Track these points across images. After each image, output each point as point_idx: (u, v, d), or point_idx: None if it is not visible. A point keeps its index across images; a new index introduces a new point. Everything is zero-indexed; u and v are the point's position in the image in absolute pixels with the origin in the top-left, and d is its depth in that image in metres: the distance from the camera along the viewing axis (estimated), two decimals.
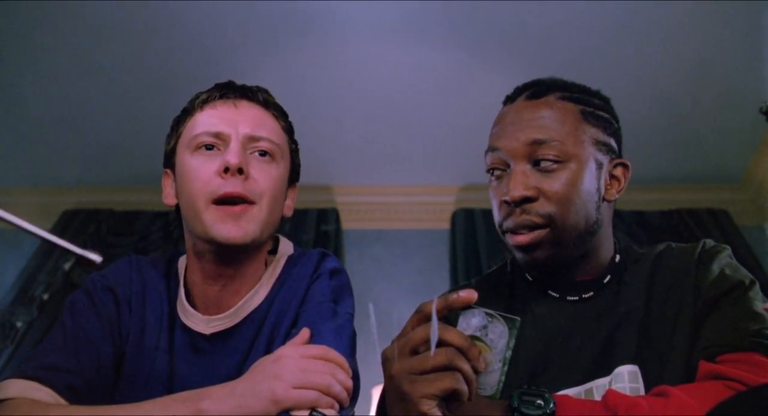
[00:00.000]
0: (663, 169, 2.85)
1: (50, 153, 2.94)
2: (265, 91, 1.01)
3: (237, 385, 0.76)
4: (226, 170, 0.89)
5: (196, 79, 2.66)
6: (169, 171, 1.00)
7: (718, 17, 2.39)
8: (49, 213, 3.00)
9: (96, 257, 0.95)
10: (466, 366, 0.62)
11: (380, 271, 2.88)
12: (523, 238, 0.88)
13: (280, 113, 1.01)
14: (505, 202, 0.89)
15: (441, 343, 0.62)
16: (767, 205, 2.98)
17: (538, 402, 0.73)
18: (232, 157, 0.89)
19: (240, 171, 0.89)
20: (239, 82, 1.02)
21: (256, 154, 0.94)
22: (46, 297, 2.71)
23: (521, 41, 2.49)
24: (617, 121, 0.97)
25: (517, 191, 0.87)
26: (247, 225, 0.90)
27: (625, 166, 0.96)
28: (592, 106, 0.94)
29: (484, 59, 2.57)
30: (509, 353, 0.59)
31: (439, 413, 0.63)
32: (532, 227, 0.88)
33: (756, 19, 2.40)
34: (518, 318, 0.56)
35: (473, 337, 0.62)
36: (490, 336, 0.60)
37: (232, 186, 0.89)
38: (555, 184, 0.88)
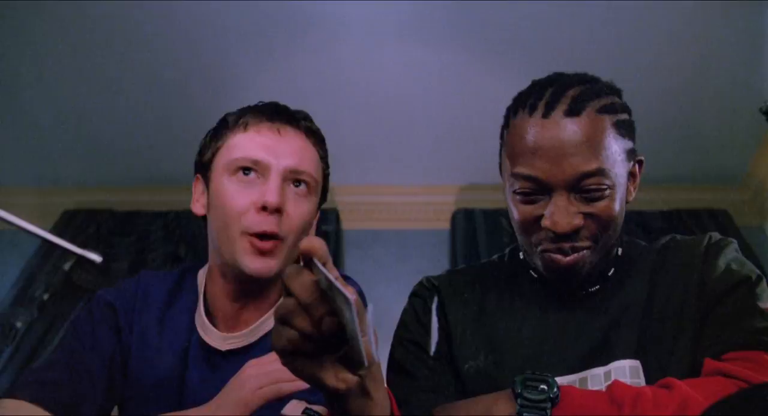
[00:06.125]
0: (663, 169, 2.84)
1: (50, 153, 2.94)
2: (309, 118, 1.01)
3: (212, 402, 0.82)
4: (264, 208, 0.89)
5: (195, 80, 2.69)
6: (200, 178, 1.00)
7: (718, 17, 2.39)
8: (49, 213, 2.99)
9: (96, 257, 0.96)
10: (303, 324, 0.52)
11: (380, 271, 2.88)
12: (567, 260, 0.84)
13: (318, 140, 1.01)
14: (547, 229, 0.84)
15: (288, 292, 0.53)
16: (767, 204, 2.98)
17: (542, 386, 0.73)
18: (271, 196, 0.89)
19: (277, 210, 0.90)
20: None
21: (293, 186, 0.94)
22: (46, 297, 2.71)
23: (521, 41, 2.49)
24: (631, 113, 0.92)
25: (566, 223, 0.82)
26: (273, 262, 0.91)
27: (640, 162, 0.93)
28: (618, 110, 0.88)
29: (484, 59, 2.57)
30: (357, 326, 0.49)
31: (307, 370, 0.55)
32: (576, 249, 0.84)
33: (756, 19, 2.40)
34: (351, 299, 0.48)
35: (326, 293, 0.52)
36: (338, 302, 0.50)
37: (267, 224, 0.90)
38: (599, 206, 0.83)
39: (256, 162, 0.93)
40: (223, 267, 0.95)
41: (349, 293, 0.48)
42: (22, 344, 2.59)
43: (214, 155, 0.97)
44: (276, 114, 0.97)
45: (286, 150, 0.94)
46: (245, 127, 0.95)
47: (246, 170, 0.92)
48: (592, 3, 2.34)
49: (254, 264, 0.90)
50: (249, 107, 1.00)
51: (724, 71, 2.58)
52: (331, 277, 0.49)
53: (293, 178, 0.94)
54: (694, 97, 2.65)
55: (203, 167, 0.99)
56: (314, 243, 0.53)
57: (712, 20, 2.40)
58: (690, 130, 2.77)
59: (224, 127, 0.98)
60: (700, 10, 2.36)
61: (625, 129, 0.88)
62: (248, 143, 0.94)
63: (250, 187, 0.92)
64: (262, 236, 0.90)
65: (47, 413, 0.85)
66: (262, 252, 0.90)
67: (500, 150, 0.94)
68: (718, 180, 3.03)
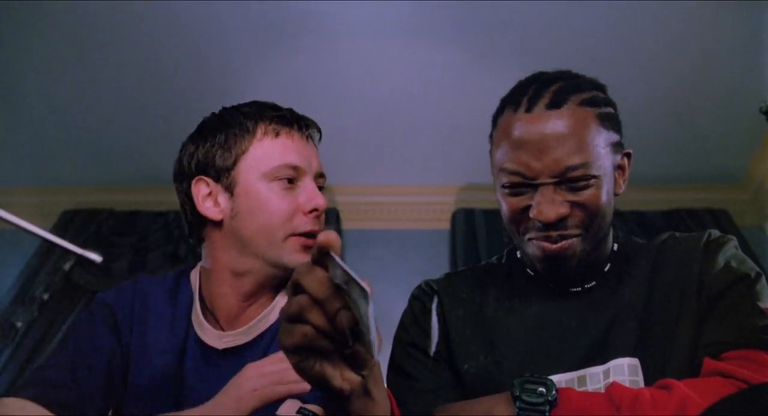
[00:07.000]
0: (663, 169, 2.85)
1: (50, 153, 2.94)
2: (317, 125, 1.08)
3: (209, 402, 0.85)
4: (313, 210, 0.98)
5: (196, 80, 2.68)
6: (210, 181, 0.99)
7: (718, 17, 2.39)
8: (49, 213, 2.99)
9: (96, 257, 0.96)
10: (318, 320, 0.52)
11: (380, 271, 2.88)
12: (554, 247, 0.85)
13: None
14: (535, 219, 0.85)
15: (298, 289, 0.53)
16: (767, 204, 2.98)
17: (540, 389, 0.73)
18: (320, 200, 0.99)
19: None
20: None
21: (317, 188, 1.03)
22: (46, 297, 2.71)
23: (522, 42, 2.49)
24: (616, 108, 0.93)
25: (552, 214, 0.83)
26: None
27: (628, 155, 0.93)
28: (602, 103, 0.89)
29: (484, 59, 2.57)
30: (371, 321, 0.49)
31: (317, 369, 0.54)
32: (565, 237, 0.85)
33: (756, 19, 2.40)
34: (368, 291, 0.48)
35: (340, 288, 0.52)
36: (353, 296, 0.50)
37: (314, 224, 0.98)
38: (585, 194, 0.84)
39: (296, 168, 0.99)
40: (248, 266, 0.97)
41: (366, 285, 0.49)
42: (22, 344, 2.60)
43: (237, 160, 0.98)
44: (299, 120, 1.03)
45: (311, 154, 1.02)
46: (276, 134, 0.99)
47: (289, 177, 0.98)
48: (592, 3, 2.34)
49: (301, 260, 0.95)
50: (262, 111, 1.01)
51: (724, 71, 2.58)
52: (349, 270, 0.49)
53: (318, 180, 1.03)
54: (694, 97, 2.65)
55: (216, 170, 0.98)
56: (331, 236, 0.52)
57: (712, 20, 2.40)
58: (690, 130, 2.77)
59: (240, 130, 0.99)
60: (700, 10, 2.36)
61: (609, 121, 0.89)
62: (285, 151, 0.99)
63: (292, 192, 0.98)
64: (309, 234, 0.97)
65: (48, 412, 0.87)
66: (307, 249, 0.97)
67: (490, 150, 0.94)
68: (718, 180, 3.03)
